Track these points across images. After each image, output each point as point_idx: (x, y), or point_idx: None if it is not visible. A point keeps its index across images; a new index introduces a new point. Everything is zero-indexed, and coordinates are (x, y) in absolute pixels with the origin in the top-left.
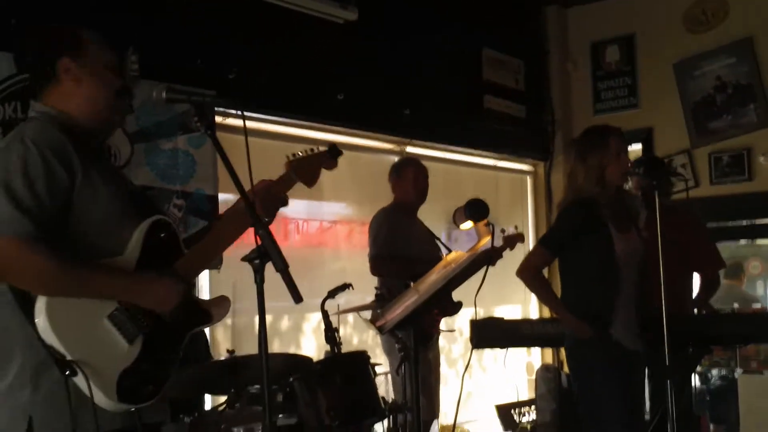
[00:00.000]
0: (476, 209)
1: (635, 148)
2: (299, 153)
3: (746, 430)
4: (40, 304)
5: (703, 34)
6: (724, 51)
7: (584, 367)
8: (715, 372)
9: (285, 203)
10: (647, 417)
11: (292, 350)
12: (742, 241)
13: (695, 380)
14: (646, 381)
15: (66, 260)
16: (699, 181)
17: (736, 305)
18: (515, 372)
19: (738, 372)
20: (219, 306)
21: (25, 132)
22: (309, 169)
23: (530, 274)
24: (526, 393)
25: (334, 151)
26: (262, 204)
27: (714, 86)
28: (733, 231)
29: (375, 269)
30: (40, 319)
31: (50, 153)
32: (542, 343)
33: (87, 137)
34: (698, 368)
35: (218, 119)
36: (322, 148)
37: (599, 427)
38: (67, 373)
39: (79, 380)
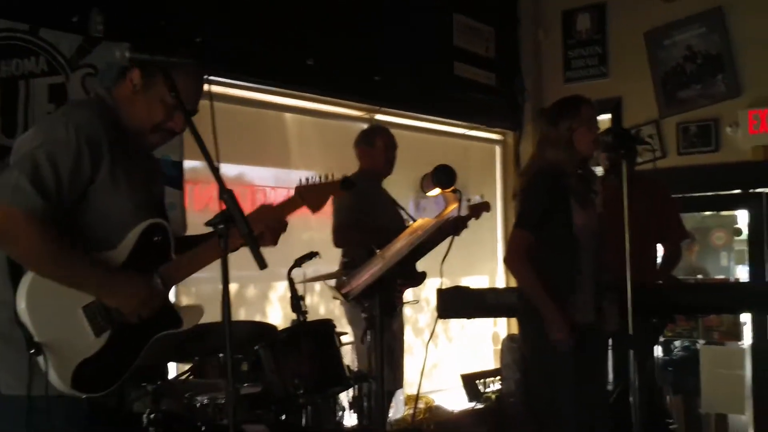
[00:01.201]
0: (443, 176)
1: (604, 117)
2: (311, 179)
3: (707, 400)
4: (25, 282)
5: (674, 3)
6: (695, 20)
7: (537, 345)
8: (678, 343)
9: (285, 229)
10: (610, 388)
11: (258, 319)
12: (707, 213)
13: (658, 351)
14: (609, 353)
15: (61, 247)
16: (666, 152)
17: (699, 276)
18: (481, 342)
19: (700, 343)
20: (192, 312)
21: (72, 114)
22: (317, 195)
23: (518, 262)
24: (492, 363)
25: (347, 184)
26: (268, 230)
27: (684, 56)
28: (699, 202)
29: (337, 240)
30: (20, 299)
31: (86, 146)
32: (508, 313)
33: (128, 134)
34: (661, 339)
35: None
36: (336, 178)
37: (550, 403)
38: (31, 351)
39: (40, 360)
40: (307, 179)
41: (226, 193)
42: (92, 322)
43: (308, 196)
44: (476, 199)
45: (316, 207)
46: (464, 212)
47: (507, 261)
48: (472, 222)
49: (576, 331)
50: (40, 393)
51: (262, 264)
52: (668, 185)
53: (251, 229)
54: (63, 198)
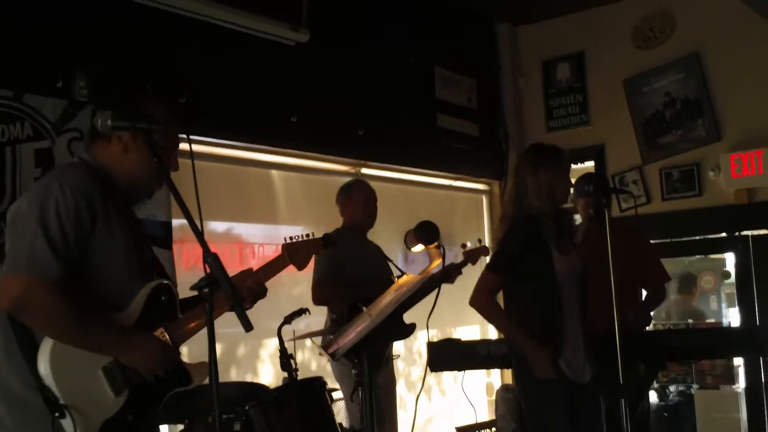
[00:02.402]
0: (426, 232)
1: (588, 164)
2: (295, 237)
3: None
4: (45, 348)
5: (651, 50)
6: (672, 66)
7: (530, 393)
8: (672, 388)
9: (265, 294)
10: None
11: (249, 378)
12: (695, 257)
13: (653, 397)
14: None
15: (79, 310)
16: (651, 197)
17: (690, 321)
18: (475, 393)
19: (695, 387)
20: (200, 370)
21: (63, 176)
22: (301, 253)
23: (483, 302)
24: (486, 414)
25: (328, 242)
26: (249, 294)
27: (663, 102)
28: (686, 246)
29: (315, 298)
30: (43, 364)
31: (83, 202)
32: (501, 364)
33: (117, 191)
34: (654, 385)
35: None
36: (317, 236)
37: None
38: (56, 414)
39: (66, 423)
40: (292, 238)
41: (210, 256)
42: (111, 382)
43: (294, 255)
44: (470, 245)
45: (301, 264)
46: (459, 259)
47: (472, 301)
48: (467, 269)
49: (571, 391)
50: None
51: (248, 327)
52: (644, 230)
53: (236, 292)
54: (73, 258)
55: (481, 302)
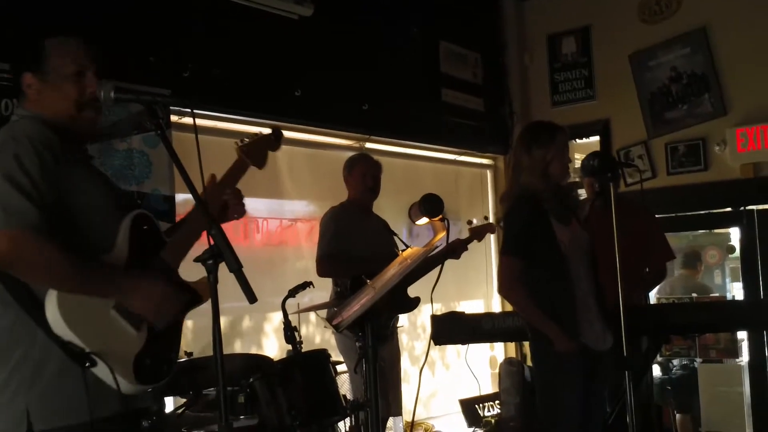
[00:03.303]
0: (431, 205)
1: (593, 139)
2: (246, 139)
3: (707, 419)
4: (51, 300)
5: (657, 25)
6: (679, 41)
7: (545, 368)
8: (676, 362)
9: (242, 196)
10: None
11: (253, 351)
12: (700, 231)
13: (656, 370)
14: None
15: (70, 254)
16: (656, 172)
17: (694, 295)
18: (479, 366)
19: (698, 361)
20: (204, 287)
21: (16, 129)
22: (258, 152)
23: (510, 289)
24: (490, 387)
25: (277, 133)
26: (232, 199)
27: (669, 77)
28: (691, 221)
29: (320, 271)
30: (54, 316)
31: (41, 147)
32: (504, 338)
33: (69, 136)
34: (658, 358)
35: (174, 118)
36: (266, 131)
37: (555, 429)
38: (87, 365)
39: (99, 370)
40: (242, 139)
41: (214, 228)
42: (128, 318)
43: (251, 154)
44: (476, 222)
45: (261, 163)
46: (465, 236)
47: (500, 290)
48: (471, 245)
49: (588, 361)
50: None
51: (252, 298)
52: (650, 206)
53: (240, 264)
54: (46, 201)
55: (509, 290)
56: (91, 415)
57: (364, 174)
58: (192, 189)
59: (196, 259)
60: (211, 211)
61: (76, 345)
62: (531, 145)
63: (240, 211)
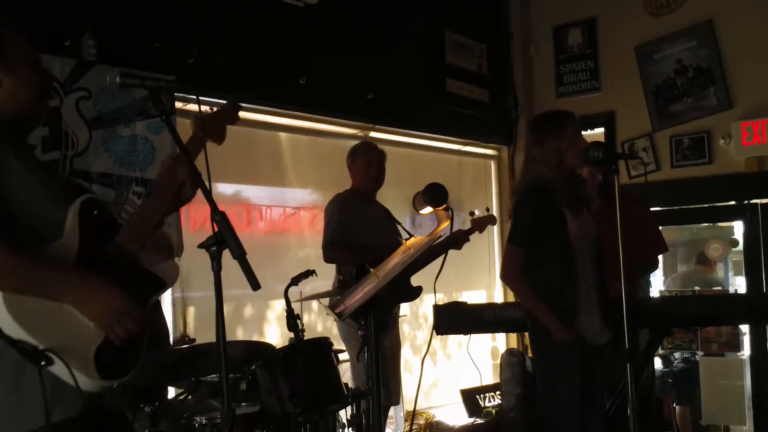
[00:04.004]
0: (435, 194)
1: (598, 131)
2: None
3: (708, 412)
4: None
5: (663, 17)
6: (685, 34)
7: (544, 358)
8: (677, 355)
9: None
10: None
11: (255, 338)
12: (703, 224)
13: (657, 363)
14: None
15: (20, 254)
16: (660, 165)
17: (697, 288)
18: (480, 357)
19: (699, 354)
20: (169, 270)
21: None
22: (215, 125)
23: (512, 277)
24: (491, 378)
25: (235, 105)
26: (188, 179)
27: (674, 69)
28: (695, 214)
29: (327, 257)
30: (2, 315)
31: None
32: (506, 328)
33: (10, 129)
34: (660, 351)
35: (179, 105)
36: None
37: (554, 418)
38: (42, 363)
39: (57, 368)
40: (200, 113)
41: (218, 215)
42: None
43: (207, 128)
44: (479, 213)
45: (219, 137)
46: (467, 226)
47: (503, 277)
48: (473, 236)
49: (587, 354)
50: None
51: (255, 285)
52: (649, 198)
53: (244, 251)
54: None
55: (511, 278)
56: (47, 417)
57: (368, 163)
58: (197, 174)
59: (201, 246)
60: (168, 191)
61: (27, 343)
62: (543, 137)
63: (189, 195)
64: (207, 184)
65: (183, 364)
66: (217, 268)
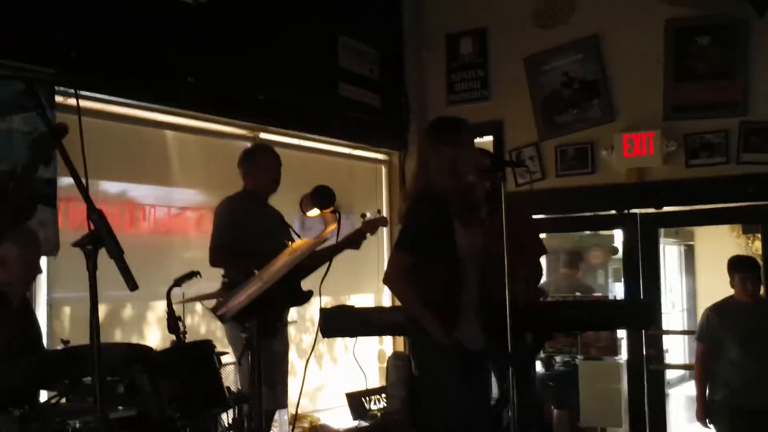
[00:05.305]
0: (322, 196)
1: (486, 140)
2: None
3: (586, 414)
4: None
5: (551, 30)
6: (572, 47)
7: (427, 362)
8: (558, 358)
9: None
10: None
11: (135, 340)
12: (586, 232)
13: (539, 366)
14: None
15: None
16: (546, 173)
17: (577, 294)
18: (367, 360)
19: (579, 358)
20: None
21: None
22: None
23: (396, 281)
24: (377, 381)
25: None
26: None
27: (561, 81)
28: (578, 222)
29: (213, 261)
30: None
31: None
32: (394, 332)
33: None
34: (541, 355)
35: (59, 99)
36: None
37: (440, 421)
38: None
39: None
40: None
41: (95, 213)
42: None
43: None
44: (369, 215)
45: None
46: (358, 227)
47: (386, 281)
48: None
49: (466, 359)
50: None
51: (132, 285)
52: (532, 207)
53: (121, 250)
54: None
55: (394, 282)
56: None
57: (269, 166)
58: (74, 172)
59: (75, 244)
60: None
61: None
62: (438, 143)
63: None
64: (84, 181)
65: (56, 366)
66: (92, 268)
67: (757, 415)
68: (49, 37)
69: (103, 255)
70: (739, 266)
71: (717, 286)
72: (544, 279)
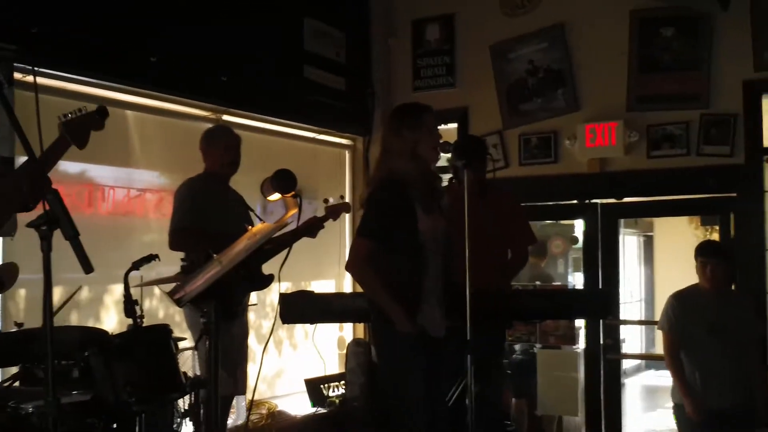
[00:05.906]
0: (283, 180)
1: (451, 126)
2: (70, 114)
3: (543, 402)
4: None
5: (518, 18)
6: (537, 36)
7: (388, 348)
8: (517, 347)
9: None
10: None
11: (90, 324)
12: (547, 221)
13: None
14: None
15: None
16: (509, 162)
17: (538, 283)
18: (327, 347)
19: (538, 347)
20: (8, 271)
21: None
22: (81, 130)
23: (359, 268)
24: (337, 368)
25: (103, 111)
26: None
27: (527, 69)
28: (540, 211)
29: (173, 244)
30: None
31: None
32: (354, 319)
33: None
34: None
35: (18, 76)
36: (91, 108)
37: (401, 407)
38: None
39: None
40: (66, 115)
41: (50, 193)
42: None
43: (73, 133)
44: (332, 201)
45: (82, 143)
46: (322, 214)
47: (348, 267)
48: (326, 224)
49: (428, 345)
50: None
51: (87, 268)
52: (516, 195)
53: (77, 231)
54: None
55: (356, 269)
56: None
57: (226, 146)
58: (29, 151)
59: (30, 225)
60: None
61: None
62: (400, 128)
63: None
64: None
65: (10, 349)
66: (47, 249)
67: (718, 414)
68: (10, 11)
69: (59, 236)
70: (704, 251)
71: (675, 276)
72: None
